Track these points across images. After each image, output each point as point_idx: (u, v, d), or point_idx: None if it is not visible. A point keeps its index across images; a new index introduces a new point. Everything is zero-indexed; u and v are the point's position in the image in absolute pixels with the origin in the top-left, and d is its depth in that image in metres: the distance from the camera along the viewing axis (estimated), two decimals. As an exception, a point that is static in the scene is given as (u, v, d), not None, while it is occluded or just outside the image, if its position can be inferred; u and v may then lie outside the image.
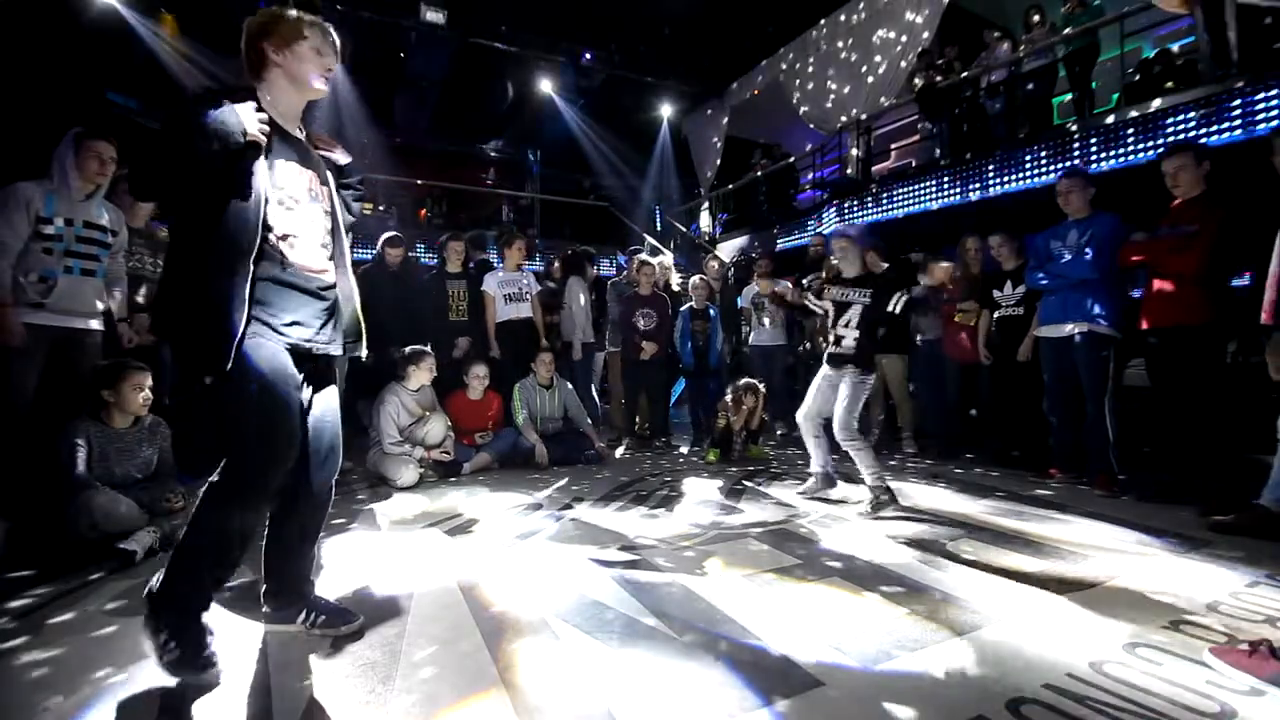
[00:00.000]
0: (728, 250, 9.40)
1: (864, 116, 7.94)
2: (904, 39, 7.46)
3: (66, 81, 7.14)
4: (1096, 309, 3.32)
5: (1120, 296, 3.44)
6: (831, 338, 3.27)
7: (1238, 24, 4.32)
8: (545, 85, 10.19)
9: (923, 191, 6.58)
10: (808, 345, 5.45)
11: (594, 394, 5.48)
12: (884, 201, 7.04)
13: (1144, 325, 3.16)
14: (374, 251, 4.94)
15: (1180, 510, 2.87)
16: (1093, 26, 5.59)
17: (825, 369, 3.31)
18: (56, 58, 7.15)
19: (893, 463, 4.34)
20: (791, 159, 9.67)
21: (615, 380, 5.51)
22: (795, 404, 5.75)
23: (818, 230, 7.80)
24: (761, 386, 4.62)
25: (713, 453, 4.50)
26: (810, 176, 9.33)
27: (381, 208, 10.18)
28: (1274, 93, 4.07)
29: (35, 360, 2.62)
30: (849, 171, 8.14)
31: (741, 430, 4.56)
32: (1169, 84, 4.97)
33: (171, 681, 1.45)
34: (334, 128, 9.81)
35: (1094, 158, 5.03)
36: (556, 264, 5.64)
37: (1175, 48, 5.67)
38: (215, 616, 1.56)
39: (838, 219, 7.64)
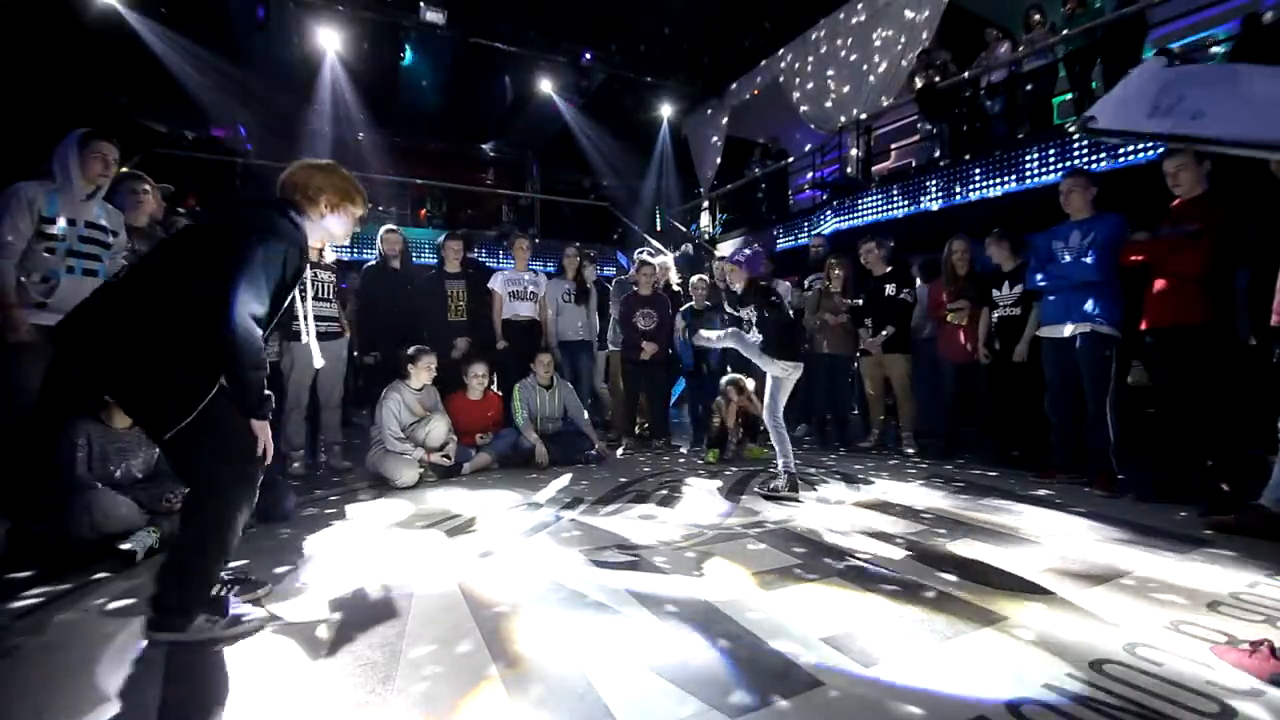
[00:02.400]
0: (728, 251, 9.39)
1: (864, 116, 7.94)
2: (904, 39, 7.45)
3: (66, 81, 7.15)
4: (1098, 309, 3.32)
5: (1122, 296, 3.44)
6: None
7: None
8: (545, 85, 10.19)
9: (923, 191, 6.58)
10: (807, 345, 5.45)
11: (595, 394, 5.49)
12: (884, 201, 7.04)
13: (1144, 325, 3.16)
14: (375, 250, 4.94)
15: (1180, 510, 2.87)
16: (1092, 27, 5.59)
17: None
18: (55, 57, 7.17)
19: (893, 462, 4.34)
20: (790, 159, 9.67)
21: (615, 380, 5.52)
22: (794, 403, 5.80)
23: (818, 230, 7.81)
24: (750, 383, 4.63)
25: (712, 453, 4.50)
26: (810, 176, 9.32)
27: (381, 207, 10.20)
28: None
29: (39, 360, 2.62)
30: (849, 171, 8.14)
31: (736, 428, 4.56)
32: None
33: (172, 682, 1.45)
34: (334, 127, 9.86)
35: (1094, 158, 5.03)
36: (574, 259, 5.42)
37: (1175, 47, 5.67)
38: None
39: (838, 219, 7.64)
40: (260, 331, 1.68)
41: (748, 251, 3.55)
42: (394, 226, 4.89)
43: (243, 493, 1.72)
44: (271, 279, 1.70)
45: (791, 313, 5.29)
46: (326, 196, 1.89)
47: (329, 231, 1.96)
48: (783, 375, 3.44)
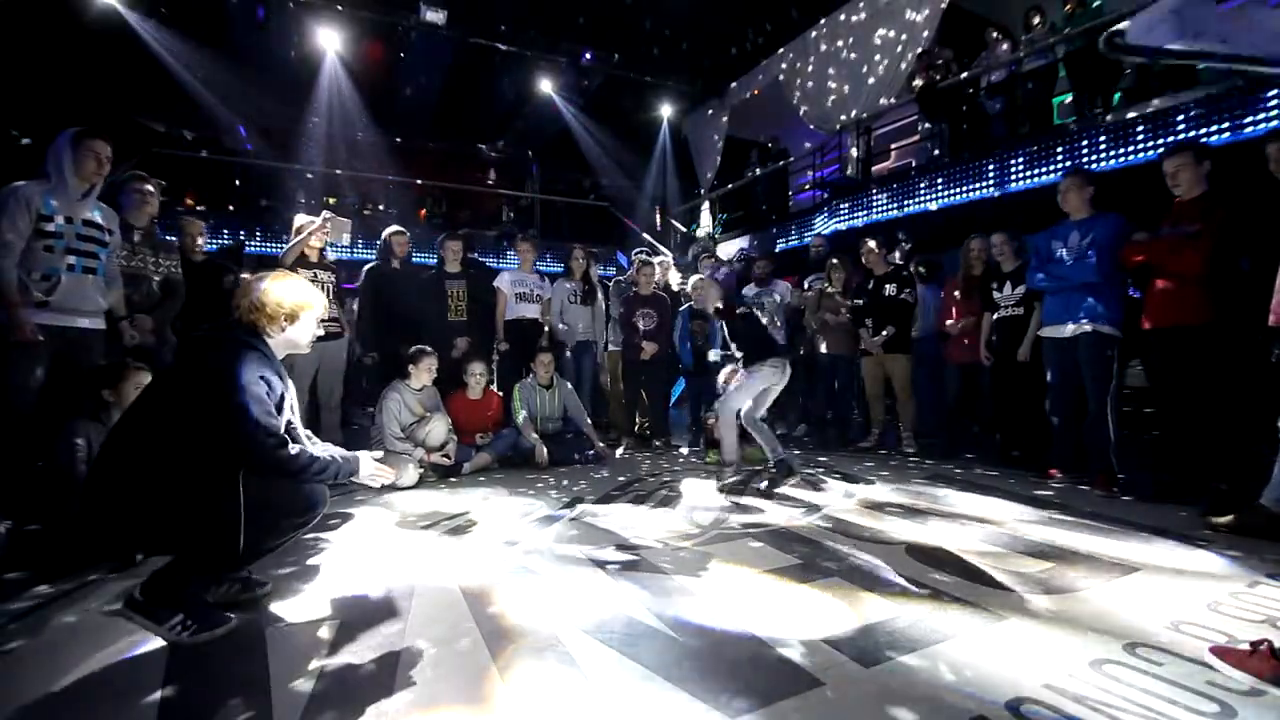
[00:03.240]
0: (727, 251, 9.39)
1: (864, 116, 7.93)
2: (904, 39, 7.45)
3: (65, 81, 7.16)
4: (1100, 309, 3.32)
5: (1123, 296, 3.44)
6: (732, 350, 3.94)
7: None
8: (545, 85, 10.18)
9: (923, 191, 6.58)
10: (804, 349, 5.46)
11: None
12: (884, 201, 7.04)
13: (1145, 325, 3.16)
14: (376, 249, 4.94)
15: (1180, 510, 2.88)
16: (1093, 27, 5.58)
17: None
18: (55, 56, 7.18)
19: (893, 463, 4.34)
20: (791, 159, 9.66)
21: (615, 380, 5.52)
22: (795, 403, 5.81)
23: (818, 230, 7.81)
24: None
25: (712, 453, 4.50)
26: (810, 176, 9.32)
27: (381, 207, 10.19)
28: (1273, 93, 4.07)
29: (41, 359, 2.63)
30: (849, 171, 8.13)
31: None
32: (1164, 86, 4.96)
33: (172, 682, 1.45)
34: (334, 127, 9.86)
35: (1094, 158, 5.03)
36: (581, 260, 5.34)
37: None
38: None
39: (838, 219, 7.64)
40: (287, 447, 1.72)
41: (719, 274, 3.74)
42: (401, 228, 4.91)
43: (285, 535, 1.91)
44: (263, 408, 1.72)
45: (766, 319, 5.33)
46: (284, 310, 1.89)
47: (294, 341, 1.96)
48: (773, 379, 3.58)
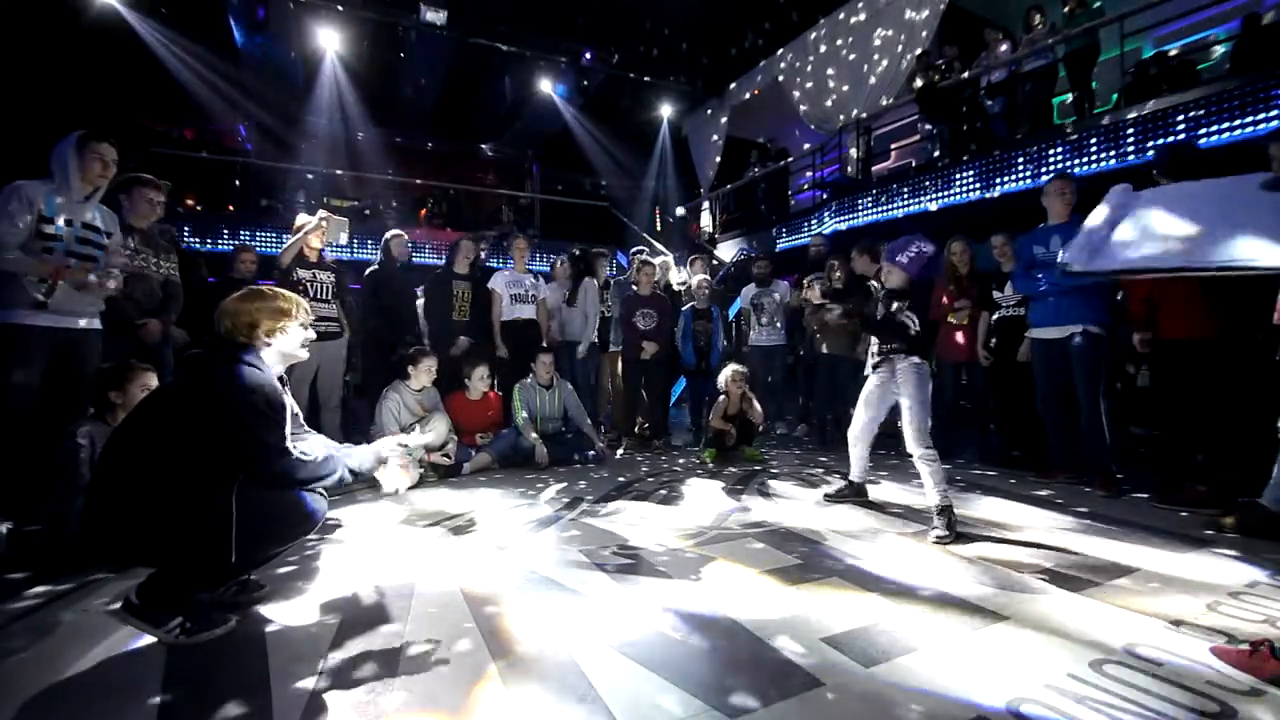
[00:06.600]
0: (727, 251, 9.40)
1: (864, 116, 7.94)
2: (904, 39, 7.46)
3: (65, 81, 7.15)
4: (1089, 311, 3.33)
5: (1110, 298, 3.45)
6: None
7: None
8: (545, 85, 10.19)
9: (922, 191, 6.58)
10: (804, 350, 5.46)
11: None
12: (884, 201, 7.04)
13: (1162, 337, 3.17)
14: (379, 250, 4.94)
15: (1180, 510, 2.88)
16: (1093, 26, 5.59)
17: (873, 374, 3.03)
18: (54, 56, 7.18)
19: (893, 462, 4.34)
20: (790, 159, 9.67)
21: (615, 380, 5.51)
22: (795, 403, 5.81)
23: (818, 230, 7.81)
24: (743, 368, 4.65)
25: (709, 453, 4.50)
26: (810, 176, 9.33)
27: (381, 207, 10.20)
28: (1273, 93, 4.07)
29: (39, 361, 2.62)
30: (849, 171, 8.14)
31: (730, 432, 4.54)
32: (1165, 85, 4.98)
33: (172, 682, 1.45)
34: (334, 127, 9.86)
35: (1094, 158, 5.03)
36: (564, 264, 5.42)
37: (1174, 49, 5.68)
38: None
39: (838, 219, 7.64)
40: (290, 457, 1.72)
41: (912, 253, 2.91)
42: (400, 231, 4.92)
43: (284, 544, 1.91)
44: (265, 422, 1.72)
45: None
46: (264, 324, 1.85)
47: (287, 353, 1.92)
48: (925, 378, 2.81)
